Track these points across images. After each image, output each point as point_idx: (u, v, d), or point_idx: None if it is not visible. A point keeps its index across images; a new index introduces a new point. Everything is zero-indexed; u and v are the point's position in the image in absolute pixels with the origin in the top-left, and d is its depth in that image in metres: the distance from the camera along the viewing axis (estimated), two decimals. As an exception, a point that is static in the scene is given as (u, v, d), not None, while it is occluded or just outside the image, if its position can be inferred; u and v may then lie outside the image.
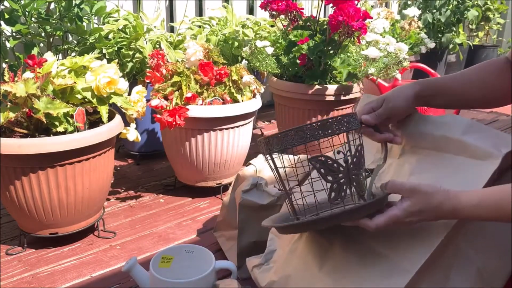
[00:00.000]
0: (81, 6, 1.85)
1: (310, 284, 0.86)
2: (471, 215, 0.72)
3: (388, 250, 0.82)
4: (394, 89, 0.93)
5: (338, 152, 0.79)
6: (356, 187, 0.79)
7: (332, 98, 1.83)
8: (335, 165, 0.77)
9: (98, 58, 1.50)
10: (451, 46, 3.44)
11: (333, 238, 0.88)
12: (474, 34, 4.03)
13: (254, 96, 1.70)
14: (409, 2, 3.49)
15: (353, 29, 1.69)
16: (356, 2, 1.74)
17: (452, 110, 2.37)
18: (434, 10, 3.45)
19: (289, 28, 1.96)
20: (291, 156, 1.38)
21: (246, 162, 1.48)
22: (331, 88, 1.82)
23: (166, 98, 1.58)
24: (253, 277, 1.01)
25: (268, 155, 0.82)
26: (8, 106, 1.27)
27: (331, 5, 1.76)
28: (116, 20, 1.98)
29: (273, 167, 0.82)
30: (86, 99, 1.35)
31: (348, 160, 0.78)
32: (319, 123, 0.76)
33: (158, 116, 1.52)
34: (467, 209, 0.72)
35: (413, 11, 2.64)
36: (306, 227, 0.84)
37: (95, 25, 2.01)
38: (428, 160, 0.89)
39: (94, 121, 1.39)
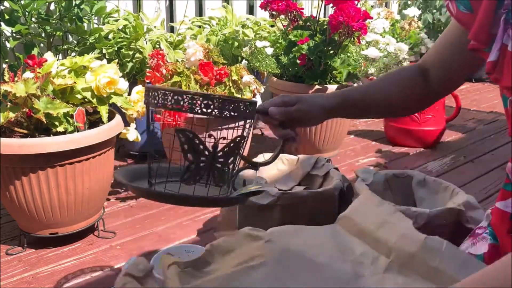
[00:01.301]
0: (81, 6, 1.85)
1: None
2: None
3: None
4: (311, 95, 0.87)
5: (210, 136, 0.71)
6: (216, 177, 0.72)
7: (332, 98, 1.83)
8: (201, 146, 0.69)
9: (98, 58, 1.50)
10: (451, 46, 3.43)
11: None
12: (474, 34, 4.02)
13: (254, 96, 1.70)
14: (409, 2, 3.49)
15: (353, 29, 1.69)
16: (356, 2, 1.74)
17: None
18: (434, 10, 3.45)
19: (289, 28, 1.96)
20: (292, 156, 1.38)
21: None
22: (331, 88, 1.82)
23: (166, 98, 1.57)
24: (164, 274, 0.81)
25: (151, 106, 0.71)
26: (8, 106, 1.27)
27: (331, 5, 1.76)
28: (116, 20, 1.98)
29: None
30: (86, 99, 1.35)
31: (217, 146, 0.70)
32: (220, 101, 0.67)
33: (158, 116, 1.52)
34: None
35: (413, 11, 2.65)
36: (155, 197, 0.74)
37: (95, 25, 2.01)
38: None
39: (94, 121, 1.39)
